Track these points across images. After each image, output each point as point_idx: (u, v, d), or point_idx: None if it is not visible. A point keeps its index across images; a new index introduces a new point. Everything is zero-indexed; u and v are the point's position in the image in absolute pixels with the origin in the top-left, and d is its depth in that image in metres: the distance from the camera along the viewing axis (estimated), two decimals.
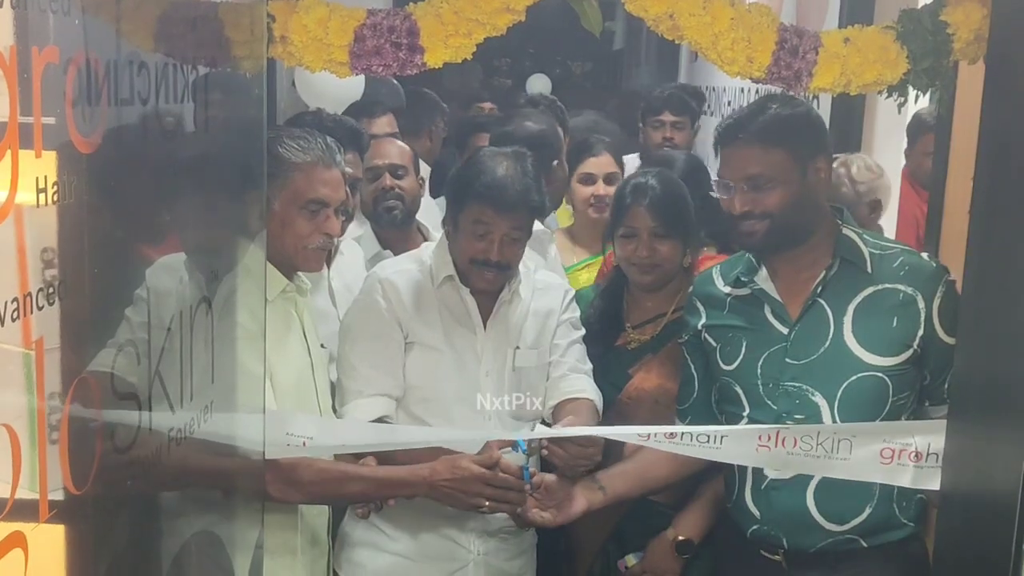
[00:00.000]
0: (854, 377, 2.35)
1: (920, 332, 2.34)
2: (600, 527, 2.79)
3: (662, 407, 2.70)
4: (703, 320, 2.53)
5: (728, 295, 2.51)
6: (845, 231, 2.43)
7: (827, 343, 2.37)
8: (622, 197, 2.88)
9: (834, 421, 2.35)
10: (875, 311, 2.36)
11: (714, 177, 2.44)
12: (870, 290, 2.37)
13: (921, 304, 2.34)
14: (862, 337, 2.36)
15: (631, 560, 2.77)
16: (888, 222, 3.95)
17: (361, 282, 2.75)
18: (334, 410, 2.59)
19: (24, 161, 1.20)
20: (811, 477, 2.38)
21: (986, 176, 2.06)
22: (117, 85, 1.46)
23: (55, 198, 1.27)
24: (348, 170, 2.84)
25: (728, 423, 2.48)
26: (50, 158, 1.27)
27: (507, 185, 2.52)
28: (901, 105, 2.43)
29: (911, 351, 2.35)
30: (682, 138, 4.78)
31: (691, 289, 2.62)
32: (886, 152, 4.21)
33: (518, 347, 2.65)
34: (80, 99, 1.33)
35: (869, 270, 2.38)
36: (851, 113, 4.37)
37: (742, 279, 2.47)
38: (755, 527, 2.44)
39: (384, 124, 3.99)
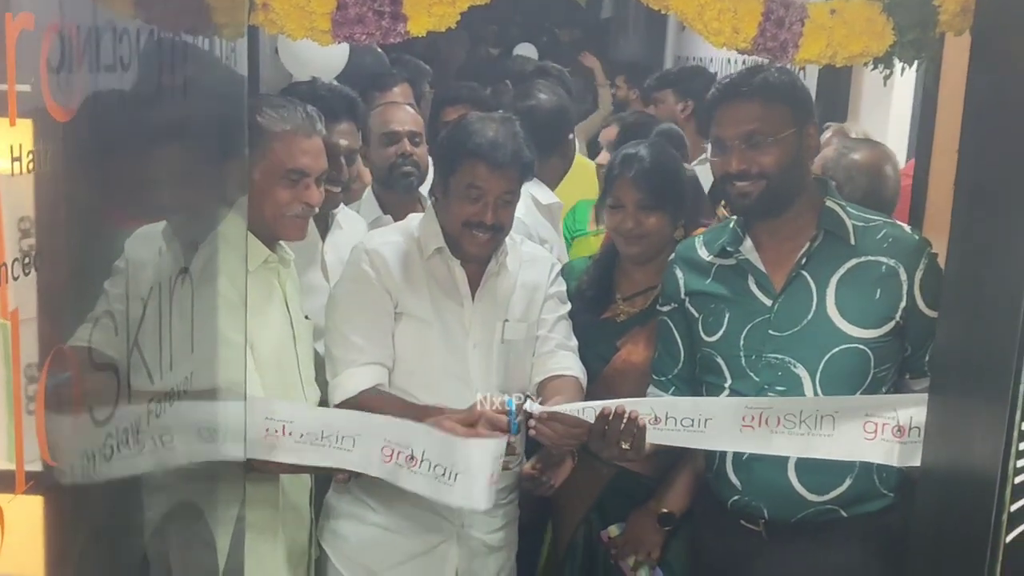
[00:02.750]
0: (836, 349, 2.35)
1: (902, 304, 2.35)
2: (583, 498, 2.80)
3: (647, 379, 2.70)
4: (684, 286, 2.53)
5: (712, 264, 2.51)
6: (829, 203, 2.43)
7: (810, 315, 2.37)
8: (611, 167, 2.86)
9: (816, 393, 2.36)
10: (858, 283, 2.37)
11: (710, 138, 2.45)
12: (853, 262, 2.38)
13: (903, 276, 2.35)
14: (845, 309, 2.36)
15: (614, 531, 2.79)
16: None
17: None
18: (317, 381, 2.58)
19: None
20: None
21: (971, 148, 2.06)
22: (96, 52, 1.44)
23: (31, 167, 1.25)
24: (343, 141, 2.81)
25: (709, 394, 2.49)
26: (25, 126, 1.25)
27: (499, 144, 2.50)
28: (887, 77, 2.42)
29: (893, 323, 2.36)
30: None
31: (672, 256, 2.62)
32: (872, 123, 4.20)
33: (507, 320, 2.63)
34: (56, 66, 1.31)
35: (853, 242, 2.39)
36: (838, 84, 4.37)
37: (727, 248, 2.47)
38: (736, 497, 2.46)
39: (398, 95, 3.95)
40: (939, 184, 2.98)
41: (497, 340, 2.62)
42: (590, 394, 2.75)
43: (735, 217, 2.52)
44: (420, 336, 2.57)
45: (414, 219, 2.71)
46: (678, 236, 2.80)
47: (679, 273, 2.56)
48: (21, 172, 1.23)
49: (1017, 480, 1.84)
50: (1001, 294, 1.88)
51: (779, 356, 2.39)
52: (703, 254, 2.54)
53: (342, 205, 3.03)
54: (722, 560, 2.52)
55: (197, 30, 1.89)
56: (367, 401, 2.48)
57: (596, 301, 2.86)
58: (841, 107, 4.36)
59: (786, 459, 2.38)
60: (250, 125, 2.24)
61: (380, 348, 2.55)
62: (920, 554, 2.20)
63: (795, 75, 2.45)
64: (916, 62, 2.40)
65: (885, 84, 2.47)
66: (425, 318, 2.57)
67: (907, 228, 2.48)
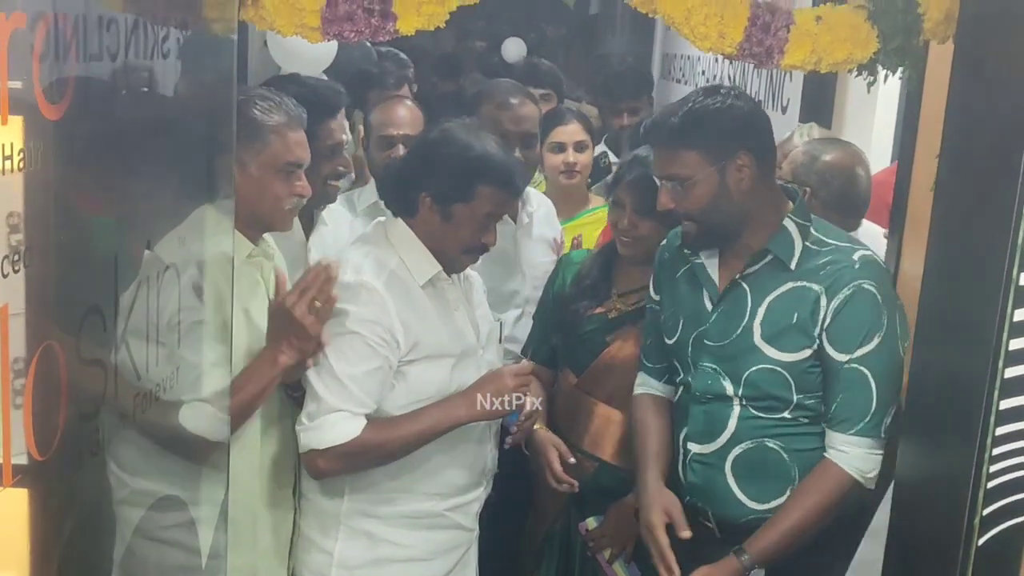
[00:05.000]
0: (754, 368, 2.37)
1: (816, 331, 2.32)
2: (563, 491, 2.82)
3: (633, 376, 2.74)
4: (658, 279, 2.62)
5: (687, 262, 2.54)
6: (787, 223, 2.39)
7: (739, 331, 2.39)
8: (622, 164, 2.89)
9: (741, 405, 2.39)
10: (785, 306, 2.36)
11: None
12: (789, 285, 2.36)
13: (823, 303, 2.31)
14: (765, 329, 2.37)
15: (592, 523, 2.82)
16: None
17: (342, 253, 2.54)
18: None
19: None
20: (728, 453, 2.41)
21: (952, 156, 2.08)
22: (86, 49, 1.45)
23: (21, 165, 1.25)
24: (345, 136, 2.81)
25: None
26: (16, 124, 1.25)
27: (513, 167, 2.42)
28: (870, 84, 2.44)
29: (810, 350, 2.33)
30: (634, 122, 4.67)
31: (663, 243, 2.66)
32: (857, 128, 4.23)
33: (500, 320, 2.63)
34: (47, 64, 1.32)
35: (793, 267, 2.36)
36: (823, 89, 4.39)
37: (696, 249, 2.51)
38: (688, 497, 2.49)
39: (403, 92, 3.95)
40: (921, 190, 3.00)
41: (495, 340, 2.61)
42: (577, 387, 2.82)
43: None
44: (440, 371, 2.45)
45: (379, 234, 2.52)
46: None
47: (666, 258, 2.62)
48: (12, 171, 1.24)
49: (989, 485, 1.86)
50: (979, 302, 1.90)
51: (712, 366, 2.43)
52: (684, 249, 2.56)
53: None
54: (681, 555, 2.47)
55: (188, 25, 1.89)
56: (365, 441, 2.35)
57: (593, 292, 2.87)
58: (826, 112, 4.38)
59: (723, 465, 2.42)
60: (244, 119, 2.23)
61: (373, 399, 2.38)
62: (895, 557, 2.22)
63: (724, 105, 2.32)
64: (900, 69, 2.43)
65: (868, 91, 2.50)
66: (446, 352, 2.45)
67: (857, 256, 2.36)
